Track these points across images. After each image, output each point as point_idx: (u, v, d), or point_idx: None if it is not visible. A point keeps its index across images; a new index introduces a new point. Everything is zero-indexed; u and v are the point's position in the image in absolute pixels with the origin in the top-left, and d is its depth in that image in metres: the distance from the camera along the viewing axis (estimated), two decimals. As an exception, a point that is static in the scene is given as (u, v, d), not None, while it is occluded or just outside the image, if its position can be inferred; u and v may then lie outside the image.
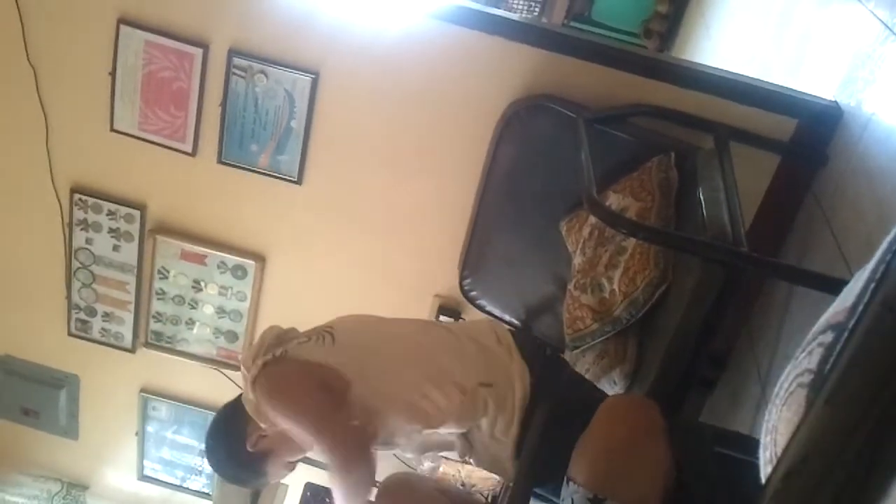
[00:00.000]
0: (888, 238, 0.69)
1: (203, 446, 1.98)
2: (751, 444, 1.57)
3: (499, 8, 3.63)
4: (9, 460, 3.56)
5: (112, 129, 2.63)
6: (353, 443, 1.63)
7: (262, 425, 1.77)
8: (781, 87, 2.32)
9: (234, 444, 1.81)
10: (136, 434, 3.33)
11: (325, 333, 1.80)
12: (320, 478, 2.82)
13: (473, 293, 2.62)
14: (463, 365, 1.77)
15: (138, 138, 2.63)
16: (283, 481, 2.68)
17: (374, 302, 2.79)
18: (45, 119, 2.65)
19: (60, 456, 3.49)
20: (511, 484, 1.77)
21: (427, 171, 2.56)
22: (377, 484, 1.74)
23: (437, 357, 1.79)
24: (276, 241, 2.80)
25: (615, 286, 2.07)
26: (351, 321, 1.89)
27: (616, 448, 1.40)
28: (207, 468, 3.39)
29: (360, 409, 1.70)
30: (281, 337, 1.81)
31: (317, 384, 1.67)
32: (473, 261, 2.57)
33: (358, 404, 1.69)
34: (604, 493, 1.31)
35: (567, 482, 1.36)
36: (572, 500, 1.34)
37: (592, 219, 2.21)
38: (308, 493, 3.14)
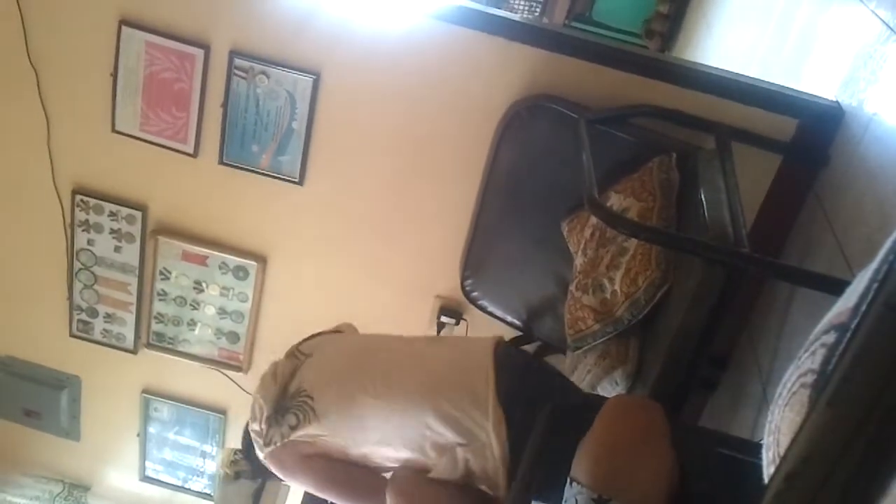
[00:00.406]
0: (891, 238, 0.69)
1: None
2: (753, 449, 1.57)
3: (500, 8, 3.63)
4: (11, 461, 3.56)
5: (114, 131, 2.63)
6: (367, 495, 1.85)
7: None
8: (783, 87, 2.32)
9: (257, 460, 1.96)
10: (138, 435, 3.34)
11: (308, 409, 1.87)
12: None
13: (475, 294, 2.62)
14: (441, 425, 1.80)
15: (140, 139, 2.64)
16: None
17: (375, 303, 2.80)
18: (47, 120, 2.65)
19: (62, 457, 3.49)
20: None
21: (428, 171, 2.56)
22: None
23: (415, 419, 1.83)
24: (278, 242, 2.80)
25: (616, 287, 2.07)
26: (329, 385, 1.93)
27: (619, 448, 1.40)
28: (209, 469, 3.39)
29: (359, 462, 1.87)
30: (276, 407, 1.91)
31: (317, 460, 1.86)
32: (475, 261, 2.57)
33: (357, 459, 1.87)
34: (608, 493, 1.31)
35: (570, 483, 1.36)
36: (576, 500, 1.33)
37: (594, 219, 2.21)
38: (309, 494, 3.13)
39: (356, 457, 1.85)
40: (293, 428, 1.86)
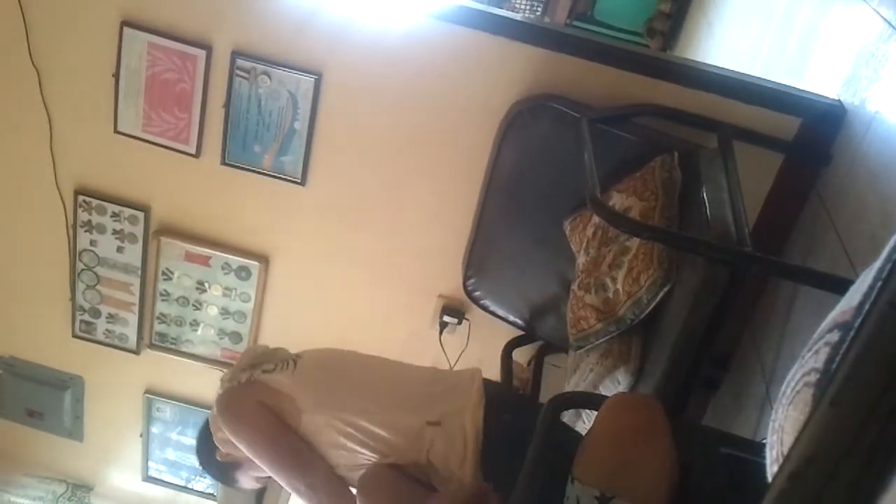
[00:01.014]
0: (894, 236, 0.69)
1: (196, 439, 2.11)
2: (755, 448, 1.57)
3: (501, 8, 3.63)
4: (14, 462, 3.56)
5: (116, 131, 2.63)
6: (300, 469, 1.78)
7: (219, 444, 1.90)
8: (785, 86, 2.32)
9: (208, 451, 1.94)
10: (141, 435, 3.34)
11: (289, 361, 1.90)
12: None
13: (477, 293, 2.62)
14: (415, 403, 1.82)
15: (142, 140, 2.64)
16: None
17: (377, 302, 2.81)
18: (49, 121, 2.65)
19: (65, 457, 3.49)
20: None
21: (430, 171, 2.56)
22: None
23: (389, 395, 1.85)
24: (280, 242, 2.80)
25: (619, 286, 2.06)
26: (319, 353, 1.98)
27: (621, 446, 1.39)
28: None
29: (307, 438, 1.82)
30: (255, 361, 1.92)
31: (268, 412, 1.81)
32: (477, 261, 2.57)
33: (306, 433, 1.82)
34: (611, 490, 1.30)
35: (572, 481, 1.36)
36: (577, 498, 1.33)
37: (596, 218, 2.21)
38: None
39: (306, 426, 1.81)
40: (266, 371, 1.86)
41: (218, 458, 1.92)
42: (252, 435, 1.81)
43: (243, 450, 1.82)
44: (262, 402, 1.81)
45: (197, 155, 2.63)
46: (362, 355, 2.03)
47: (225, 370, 2.99)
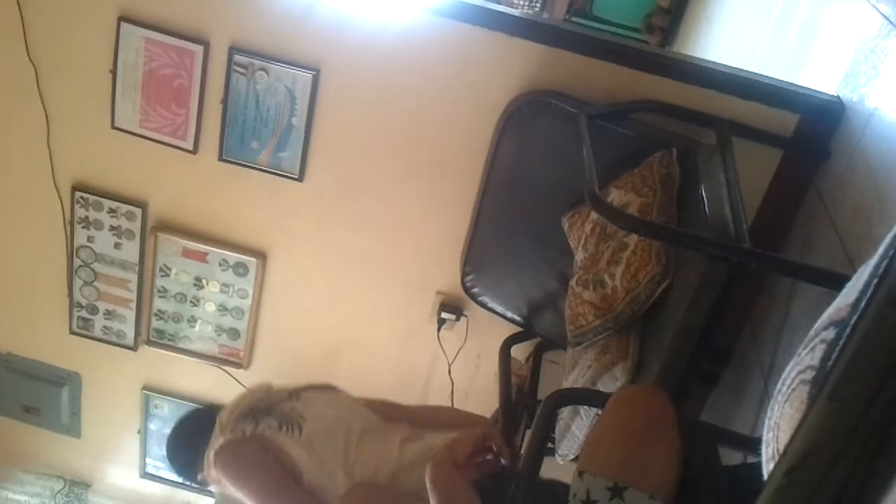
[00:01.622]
0: (891, 233, 0.69)
1: (167, 442, 2.12)
2: (752, 444, 1.57)
3: (500, 4, 3.62)
4: (11, 458, 3.56)
5: (113, 127, 2.62)
6: None
7: (209, 478, 1.92)
8: (783, 81, 2.32)
9: (189, 466, 1.97)
10: (139, 432, 3.34)
11: (294, 425, 1.89)
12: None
13: (475, 290, 2.62)
14: (410, 478, 1.84)
15: (139, 136, 2.63)
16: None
17: (375, 299, 2.80)
18: (46, 117, 2.65)
19: (63, 454, 3.49)
20: None
21: (428, 167, 2.56)
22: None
23: (388, 470, 1.87)
24: (278, 238, 2.80)
25: (617, 282, 2.06)
26: (323, 421, 1.95)
27: (632, 436, 1.37)
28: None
29: (309, 487, 1.85)
30: (256, 404, 1.92)
31: (275, 467, 1.82)
32: (475, 257, 2.57)
33: (307, 485, 1.85)
34: (624, 480, 1.28)
35: (580, 475, 1.34)
36: (588, 491, 1.30)
37: (594, 215, 2.21)
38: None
39: (307, 481, 1.85)
40: (271, 428, 1.86)
41: (199, 479, 1.95)
42: (257, 492, 1.82)
43: (243, 499, 1.85)
44: (267, 454, 1.83)
45: (194, 151, 2.63)
46: (365, 416, 2.02)
47: (223, 367, 3.02)
